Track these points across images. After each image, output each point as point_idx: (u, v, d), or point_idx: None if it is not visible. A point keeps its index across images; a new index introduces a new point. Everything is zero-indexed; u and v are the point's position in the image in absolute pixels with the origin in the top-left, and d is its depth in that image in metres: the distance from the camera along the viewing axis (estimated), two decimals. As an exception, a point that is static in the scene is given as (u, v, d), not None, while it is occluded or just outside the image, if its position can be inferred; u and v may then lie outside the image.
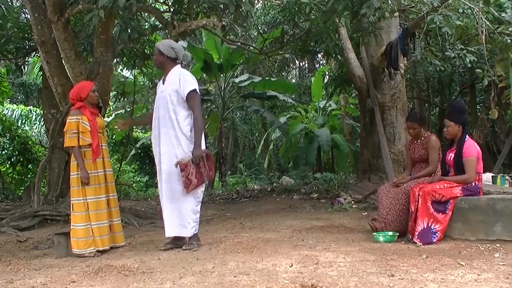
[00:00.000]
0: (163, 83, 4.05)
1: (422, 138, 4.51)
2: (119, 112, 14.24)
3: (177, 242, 4.05)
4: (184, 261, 3.43)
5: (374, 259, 3.26)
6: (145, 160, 17.33)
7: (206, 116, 16.06)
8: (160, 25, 6.32)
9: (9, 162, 10.81)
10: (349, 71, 7.99)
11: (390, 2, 5.61)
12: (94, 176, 4.17)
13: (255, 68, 16.02)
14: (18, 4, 8.15)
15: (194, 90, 3.91)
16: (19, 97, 16.80)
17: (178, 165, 3.81)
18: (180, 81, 3.91)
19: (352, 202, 7.06)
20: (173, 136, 3.89)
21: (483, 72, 5.99)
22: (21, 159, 10.73)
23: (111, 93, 8.70)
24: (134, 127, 15.70)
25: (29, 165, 10.93)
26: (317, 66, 16.03)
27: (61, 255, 4.07)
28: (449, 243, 3.86)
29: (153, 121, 4.07)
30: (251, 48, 8.92)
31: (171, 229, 3.97)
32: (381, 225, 4.34)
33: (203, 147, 3.96)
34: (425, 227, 3.91)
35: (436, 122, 13.62)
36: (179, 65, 4.07)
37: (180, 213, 3.93)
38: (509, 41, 5.71)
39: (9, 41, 7.21)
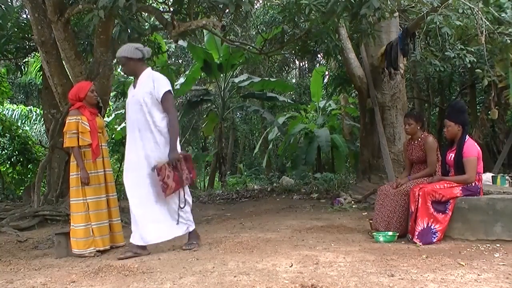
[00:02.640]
0: (134, 87, 3.97)
1: (419, 139, 4.50)
2: (119, 112, 14.23)
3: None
4: (184, 261, 3.44)
5: (374, 259, 3.26)
6: (145, 160, 17.31)
7: (205, 116, 16.10)
8: (160, 25, 6.31)
9: (9, 162, 10.81)
10: (349, 71, 7.99)
11: (389, 2, 5.61)
12: (94, 176, 4.17)
13: (255, 68, 16.02)
14: (18, 4, 8.15)
15: (169, 92, 3.85)
16: (19, 97, 16.80)
17: (154, 169, 3.74)
18: (153, 83, 3.84)
19: (352, 202, 7.06)
20: (151, 139, 3.82)
21: (483, 72, 5.99)
22: (21, 159, 10.73)
23: (111, 93, 8.70)
24: None
25: (29, 165, 10.93)
26: (317, 66, 16.01)
27: (61, 255, 4.07)
28: (449, 243, 3.86)
29: (127, 127, 3.98)
30: (251, 48, 8.91)
31: (168, 232, 3.91)
32: (378, 225, 4.35)
33: (178, 149, 3.89)
34: (425, 227, 3.92)
35: (436, 122, 13.62)
36: (149, 67, 4.03)
37: (166, 215, 3.91)
38: (509, 41, 5.71)
39: (9, 41, 7.21)
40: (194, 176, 4.06)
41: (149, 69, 4.00)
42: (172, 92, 3.93)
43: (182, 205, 3.95)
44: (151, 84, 3.83)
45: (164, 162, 3.76)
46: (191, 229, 4.02)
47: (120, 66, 9.51)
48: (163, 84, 3.85)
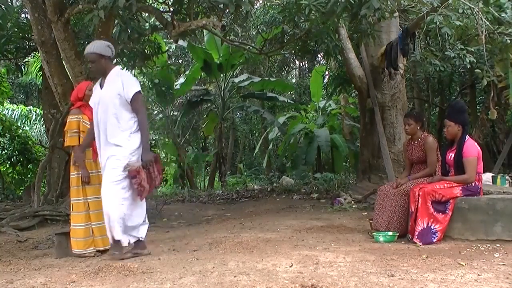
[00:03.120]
0: (101, 87, 3.82)
1: (419, 139, 4.50)
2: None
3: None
4: (184, 261, 3.44)
5: (374, 259, 3.26)
6: (145, 160, 17.31)
7: (205, 116, 16.10)
8: (160, 25, 6.32)
9: (9, 162, 10.82)
10: (349, 71, 7.99)
11: (389, 2, 5.61)
12: (94, 175, 4.17)
13: (255, 68, 16.03)
14: (18, 4, 8.15)
15: (138, 92, 3.72)
16: (19, 97, 16.80)
17: (128, 172, 3.60)
18: (122, 83, 3.70)
19: (352, 202, 7.07)
20: (116, 141, 3.67)
21: (482, 73, 5.99)
22: (21, 159, 10.74)
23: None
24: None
25: (29, 165, 10.93)
26: (317, 66, 16.01)
27: (61, 255, 4.07)
28: (449, 243, 3.86)
29: (94, 128, 3.83)
30: (251, 48, 8.91)
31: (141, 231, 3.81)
32: (379, 226, 4.35)
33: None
34: (425, 227, 3.92)
35: (436, 122, 13.63)
36: (118, 66, 3.91)
37: (134, 217, 3.77)
38: (509, 41, 5.72)
39: (9, 41, 7.22)
40: (161, 178, 3.94)
41: (117, 68, 3.87)
42: (142, 92, 3.81)
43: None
44: (119, 84, 3.70)
45: (137, 165, 3.63)
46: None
47: (120, 66, 9.52)
48: (132, 84, 3.72)
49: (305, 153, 13.16)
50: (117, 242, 3.66)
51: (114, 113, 3.68)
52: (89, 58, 3.79)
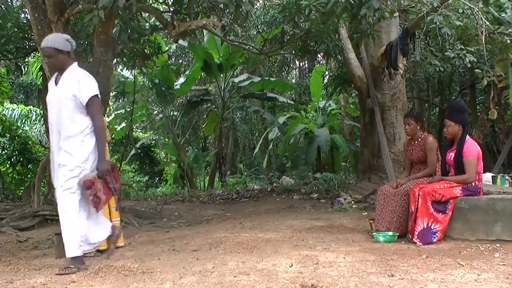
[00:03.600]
0: (56, 84, 3.49)
1: (419, 139, 4.51)
2: (119, 112, 14.26)
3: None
4: (184, 261, 3.44)
5: (374, 259, 3.26)
6: (145, 160, 17.36)
7: (205, 116, 16.10)
8: (160, 25, 6.31)
9: (9, 162, 10.81)
10: (349, 71, 7.99)
11: (389, 2, 5.61)
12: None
13: (255, 68, 16.03)
14: (18, 4, 8.14)
15: (95, 96, 3.40)
16: (19, 97, 16.81)
17: (83, 183, 3.32)
18: (78, 83, 3.37)
19: (352, 202, 7.07)
20: (68, 147, 3.35)
21: (482, 73, 5.99)
22: (21, 159, 10.74)
23: (111, 93, 8.70)
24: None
25: (29, 165, 10.93)
26: (317, 66, 16.01)
27: (61, 255, 4.06)
28: (449, 243, 3.86)
29: (49, 127, 3.55)
30: (251, 48, 8.91)
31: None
32: (380, 226, 4.35)
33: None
34: (425, 227, 3.92)
35: (436, 122, 13.63)
36: (75, 63, 3.53)
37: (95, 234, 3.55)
38: (509, 41, 5.71)
39: (9, 41, 7.21)
40: (120, 186, 3.64)
41: (74, 65, 3.50)
42: (100, 95, 3.48)
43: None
44: (75, 85, 3.37)
45: (92, 175, 3.36)
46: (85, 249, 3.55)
47: (120, 66, 9.52)
48: (89, 87, 3.40)
49: (305, 153, 13.16)
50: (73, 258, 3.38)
51: (67, 115, 3.37)
52: (45, 53, 3.47)
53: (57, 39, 3.45)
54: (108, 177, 3.44)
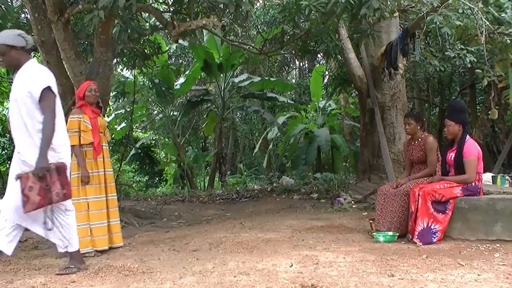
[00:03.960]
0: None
1: (419, 139, 4.51)
2: (119, 112, 14.26)
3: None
4: (184, 261, 3.44)
5: (374, 259, 3.26)
6: (145, 160, 17.37)
7: (205, 116, 16.10)
8: (160, 25, 6.31)
9: (9, 162, 10.81)
10: (349, 71, 7.99)
11: (389, 2, 5.61)
12: (94, 175, 4.18)
13: (255, 68, 16.03)
14: (18, 4, 8.14)
15: (48, 88, 3.17)
16: (19, 97, 16.78)
17: (19, 178, 3.09)
18: (32, 79, 3.20)
19: (352, 202, 7.07)
20: (30, 144, 3.19)
21: (482, 73, 5.99)
22: (21, 159, 10.73)
23: (111, 93, 8.70)
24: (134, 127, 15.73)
25: (29, 165, 10.92)
26: (317, 66, 16.02)
27: (61, 255, 4.06)
28: (449, 243, 3.86)
29: (11, 127, 3.37)
30: (251, 48, 8.91)
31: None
32: (381, 226, 4.35)
33: (57, 157, 3.22)
34: (425, 227, 3.92)
35: (436, 122, 13.63)
36: (33, 59, 3.39)
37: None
38: (509, 41, 5.72)
39: (9, 41, 7.20)
40: (69, 193, 3.27)
41: (31, 61, 3.32)
42: (54, 90, 3.24)
43: (49, 227, 3.22)
44: (30, 81, 3.20)
45: (28, 171, 3.10)
46: (71, 249, 3.36)
47: (120, 66, 9.51)
48: (42, 79, 3.19)
49: (305, 153, 13.16)
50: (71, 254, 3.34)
51: (25, 113, 3.18)
52: None
53: (7, 35, 3.28)
54: (48, 177, 3.09)
